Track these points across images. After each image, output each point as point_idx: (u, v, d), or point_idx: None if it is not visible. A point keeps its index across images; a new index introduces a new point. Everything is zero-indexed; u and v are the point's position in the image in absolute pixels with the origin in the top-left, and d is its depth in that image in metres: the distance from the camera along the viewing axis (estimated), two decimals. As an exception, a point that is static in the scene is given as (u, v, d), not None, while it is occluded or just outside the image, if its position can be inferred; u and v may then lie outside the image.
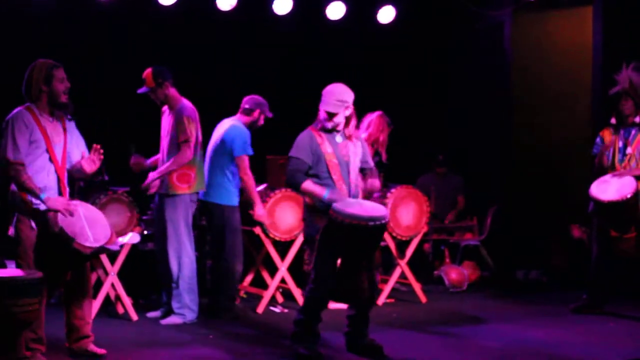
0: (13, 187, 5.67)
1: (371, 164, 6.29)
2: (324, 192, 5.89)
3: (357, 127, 6.30)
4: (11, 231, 5.74)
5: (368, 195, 6.29)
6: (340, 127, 6.08)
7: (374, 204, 6.01)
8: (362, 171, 6.19)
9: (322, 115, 6.04)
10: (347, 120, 6.08)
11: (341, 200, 5.84)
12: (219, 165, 7.38)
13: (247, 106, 7.52)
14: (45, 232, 5.54)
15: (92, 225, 5.66)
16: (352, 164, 6.08)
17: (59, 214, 5.51)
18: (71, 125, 5.90)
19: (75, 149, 5.88)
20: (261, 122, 7.58)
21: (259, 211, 7.44)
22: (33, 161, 5.64)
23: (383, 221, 5.78)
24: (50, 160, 5.70)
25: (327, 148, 6.01)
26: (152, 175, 7.06)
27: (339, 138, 6.10)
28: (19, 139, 5.58)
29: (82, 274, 5.88)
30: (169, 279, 7.13)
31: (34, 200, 5.61)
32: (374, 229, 5.75)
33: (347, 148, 6.09)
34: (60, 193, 5.72)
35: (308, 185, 5.94)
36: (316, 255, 5.94)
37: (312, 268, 5.99)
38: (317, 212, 5.97)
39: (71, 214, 5.59)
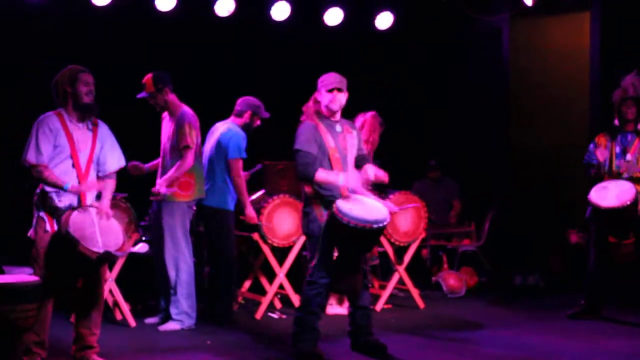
0: (39, 189, 5.70)
1: (364, 151, 6.43)
2: (339, 179, 5.96)
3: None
4: (31, 232, 5.75)
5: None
6: (338, 116, 6.18)
7: (374, 202, 6.07)
8: (357, 159, 6.28)
9: (327, 97, 6.09)
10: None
11: (349, 189, 5.99)
12: (217, 170, 7.38)
13: (238, 107, 7.54)
14: (57, 233, 5.56)
15: (104, 232, 5.64)
16: (349, 156, 6.20)
17: (71, 217, 5.50)
18: (103, 132, 5.88)
19: (110, 158, 5.87)
20: (256, 123, 7.56)
21: (250, 213, 7.43)
22: (56, 165, 5.66)
23: (386, 222, 5.92)
24: (73, 166, 5.70)
25: (330, 142, 6.09)
26: (160, 182, 7.02)
27: (338, 127, 6.19)
28: (42, 143, 5.60)
29: (94, 283, 5.82)
30: (166, 285, 7.13)
31: (56, 199, 5.63)
32: (377, 231, 5.91)
33: (346, 140, 6.18)
34: (79, 200, 5.70)
35: (321, 175, 5.98)
36: (318, 249, 6.03)
37: (311, 260, 6.09)
38: (319, 203, 6.04)
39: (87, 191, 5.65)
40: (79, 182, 5.69)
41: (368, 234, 5.86)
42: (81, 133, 5.75)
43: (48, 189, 5.66)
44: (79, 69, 5.79)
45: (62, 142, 5.66)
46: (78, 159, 5.71)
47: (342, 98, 6.13)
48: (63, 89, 5.75)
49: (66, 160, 5.68)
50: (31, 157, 5.60)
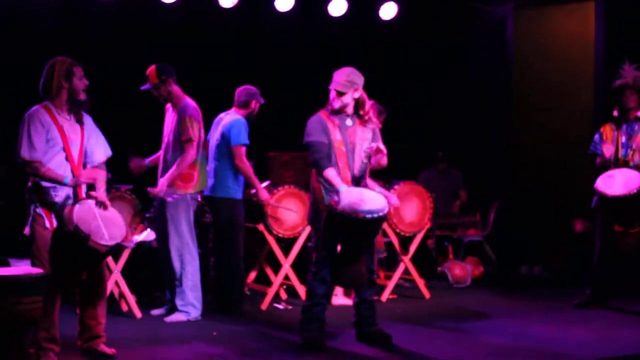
0: (31, 183, 5.66)
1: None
2: (341, 187, 5.93)
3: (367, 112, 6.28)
4: (27, 230, 5.69)
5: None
6: (349, 110, 6.18)
7: (375, 194, 6.04)
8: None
9: (331, 94, 6.14)
10: (360, 104, 6.17)
11: (347, 194, 5.89)
12: (223, 161, 7.39)
13: (242, 99, 7.53)
14: (60, 230, 5.51)
15: (107, 223, 5.61)
16: (357, 151, 6.16)
17: (74, 212, 5.46)
18: (89, 124, 5.85)
19: (97, 149, 5.84)
20: (256, 110, 7.60)
21: (264, 195, 7.45)
22: (50, 160, 5.60)
23: (381, 214, 5.86)
24: (67, 159, 5.66)
25: (336, 135, 6.10)
26: (162, 181, 7.00)
27: (349, 122, 6.19)
28: (35, 138, 5.54)
29: (98, 274, 5.82)
30: (172, 277, 7.14)
31: (52, 193, 5.60)
32: (372, 221, 5.84)
33: (355, 134, 6.16)
34: (75, 193, 5.67)
35: (330, 173, 6.01)
36: (319, 240, 6.11)
37: (315, 252, 6.15)
38: (323, 196, 6.07)
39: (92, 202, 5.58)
40: (74, 175, 5.65)
41: (362, 224, 5.82)
42: (70, 125, 5.70)
43: (44, 183, 5.60)
44: (72, 63, 5.73)
45: (54, 135, 5.60)
46: (71, 152, 5.67)
47: (345, 99, 6.13)
48: (59, 82, 5.67)
49: (59, 153, 5.63)
50: (25, 153, 5.53)
